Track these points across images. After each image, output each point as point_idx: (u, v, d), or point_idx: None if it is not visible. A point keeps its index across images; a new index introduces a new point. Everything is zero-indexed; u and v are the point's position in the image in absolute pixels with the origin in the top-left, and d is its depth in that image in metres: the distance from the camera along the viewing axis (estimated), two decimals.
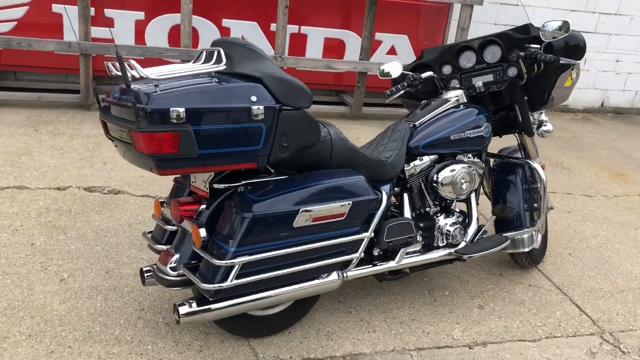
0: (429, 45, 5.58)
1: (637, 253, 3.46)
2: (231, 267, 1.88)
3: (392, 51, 5.50)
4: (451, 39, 5.54)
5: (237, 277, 1.90)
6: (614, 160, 5.27)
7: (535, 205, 2.89)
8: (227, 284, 1.88)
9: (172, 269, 2.04)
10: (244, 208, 1.90)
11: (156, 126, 1.71)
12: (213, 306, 1.95)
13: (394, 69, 2.74)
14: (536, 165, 2.78)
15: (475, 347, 2.43)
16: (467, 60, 2.78)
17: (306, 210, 1.97)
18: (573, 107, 6.93)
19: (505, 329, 2.58)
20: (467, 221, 2.67)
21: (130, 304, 2.42)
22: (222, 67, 1.89)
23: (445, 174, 2.51)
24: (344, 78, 5.50)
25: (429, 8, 5.44)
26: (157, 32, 4.85)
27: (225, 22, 4.97)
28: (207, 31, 4.93)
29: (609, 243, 3.55)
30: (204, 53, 2.03)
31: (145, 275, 2.19)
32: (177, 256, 2.06)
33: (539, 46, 2.55)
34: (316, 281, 2.15)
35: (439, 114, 2.59)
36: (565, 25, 2.41)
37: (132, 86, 1.75)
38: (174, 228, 2.22)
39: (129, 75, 1.94)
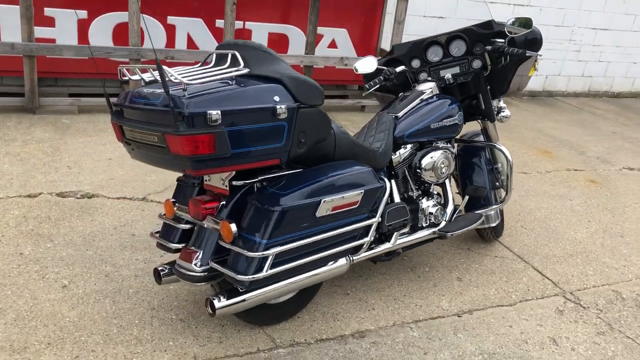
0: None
1: (576, 221, 3.88)
2: (265, 258, 2.00)
3: (332, 45, 5.69)
4: (386, 32, 5.81)
5: (271, 267, 2.02)
6: (538, 139, 5.78)
7: (498, 184, 3.19)
8: (263, 274, 1.99)
9: (197, 264, 2.12)
10: (271, 202, 2.02)
11: (194, 129, 1.79)
12: (245, 297, 2.06)
13: (370, 64, 2.92)
14: (503, 147, 3.07)
15: (463, 315, 2.69)
16: (435, 54, 3.02)
17: (327, 201, 2.12)
18: None
19: (484, 297, 2.86)
20: (444, 202, 2.92)
21: (140, 304, 2.46)
22: (244, 70, 1.99)
23: (427, 160, 2.74)
24: None
25: (365, 1, 5.67)
26: (102, 31, 4.74)
27: (171, 20, 4.94)
28: (152, 29, 4.88)
29: (552, 214, 3.95)
30: (214, 56, 2.12)
31: (162, 274, 2.26)
32: (200, 252, 2.13)
33: (503, 40, 2.83)
34: (328, 267, 2.30)
35: (418, 105, 2.81)
36: (527, 21, 2.70)
37: (167, 91, 1.81)
38: (187, 226, 2.28)
39: (144, 79, 2.01)
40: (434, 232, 2.80)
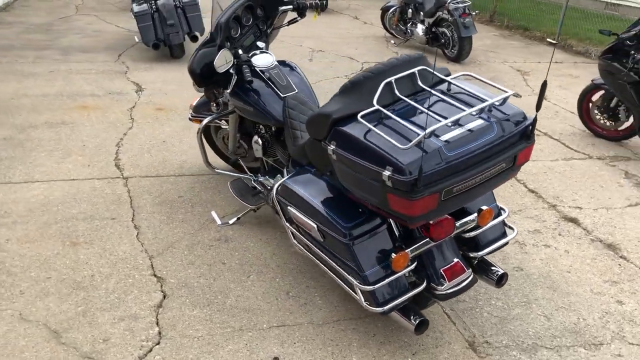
0: None
1: None
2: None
3: None
4: None
5: None
6: None
7: None
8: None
9: (467, 268, 2.30)
10: None
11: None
12: None
13: (228, 58, 2.79)
14: None
15: None
16: (234, 30, 3.02)
17: None
18: None
19: None
20: None
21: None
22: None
23: None
24: None
25: None
26: None
27: None
28: None
29: None
30: (392, 82, 2.16)
31: (427, 318, 2.22)
32: (459, 260, 2.27)
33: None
34: None
35: (291, 77, 3.06)
36: None
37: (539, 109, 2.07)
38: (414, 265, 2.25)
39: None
40: None
